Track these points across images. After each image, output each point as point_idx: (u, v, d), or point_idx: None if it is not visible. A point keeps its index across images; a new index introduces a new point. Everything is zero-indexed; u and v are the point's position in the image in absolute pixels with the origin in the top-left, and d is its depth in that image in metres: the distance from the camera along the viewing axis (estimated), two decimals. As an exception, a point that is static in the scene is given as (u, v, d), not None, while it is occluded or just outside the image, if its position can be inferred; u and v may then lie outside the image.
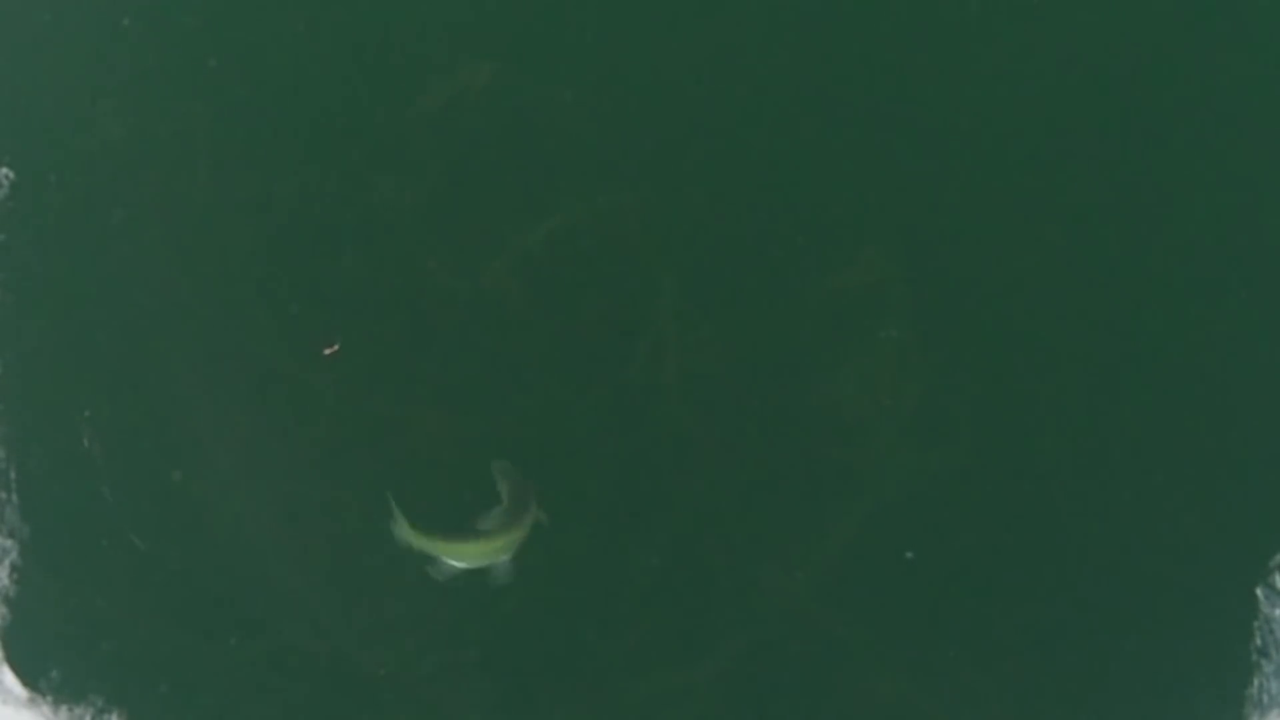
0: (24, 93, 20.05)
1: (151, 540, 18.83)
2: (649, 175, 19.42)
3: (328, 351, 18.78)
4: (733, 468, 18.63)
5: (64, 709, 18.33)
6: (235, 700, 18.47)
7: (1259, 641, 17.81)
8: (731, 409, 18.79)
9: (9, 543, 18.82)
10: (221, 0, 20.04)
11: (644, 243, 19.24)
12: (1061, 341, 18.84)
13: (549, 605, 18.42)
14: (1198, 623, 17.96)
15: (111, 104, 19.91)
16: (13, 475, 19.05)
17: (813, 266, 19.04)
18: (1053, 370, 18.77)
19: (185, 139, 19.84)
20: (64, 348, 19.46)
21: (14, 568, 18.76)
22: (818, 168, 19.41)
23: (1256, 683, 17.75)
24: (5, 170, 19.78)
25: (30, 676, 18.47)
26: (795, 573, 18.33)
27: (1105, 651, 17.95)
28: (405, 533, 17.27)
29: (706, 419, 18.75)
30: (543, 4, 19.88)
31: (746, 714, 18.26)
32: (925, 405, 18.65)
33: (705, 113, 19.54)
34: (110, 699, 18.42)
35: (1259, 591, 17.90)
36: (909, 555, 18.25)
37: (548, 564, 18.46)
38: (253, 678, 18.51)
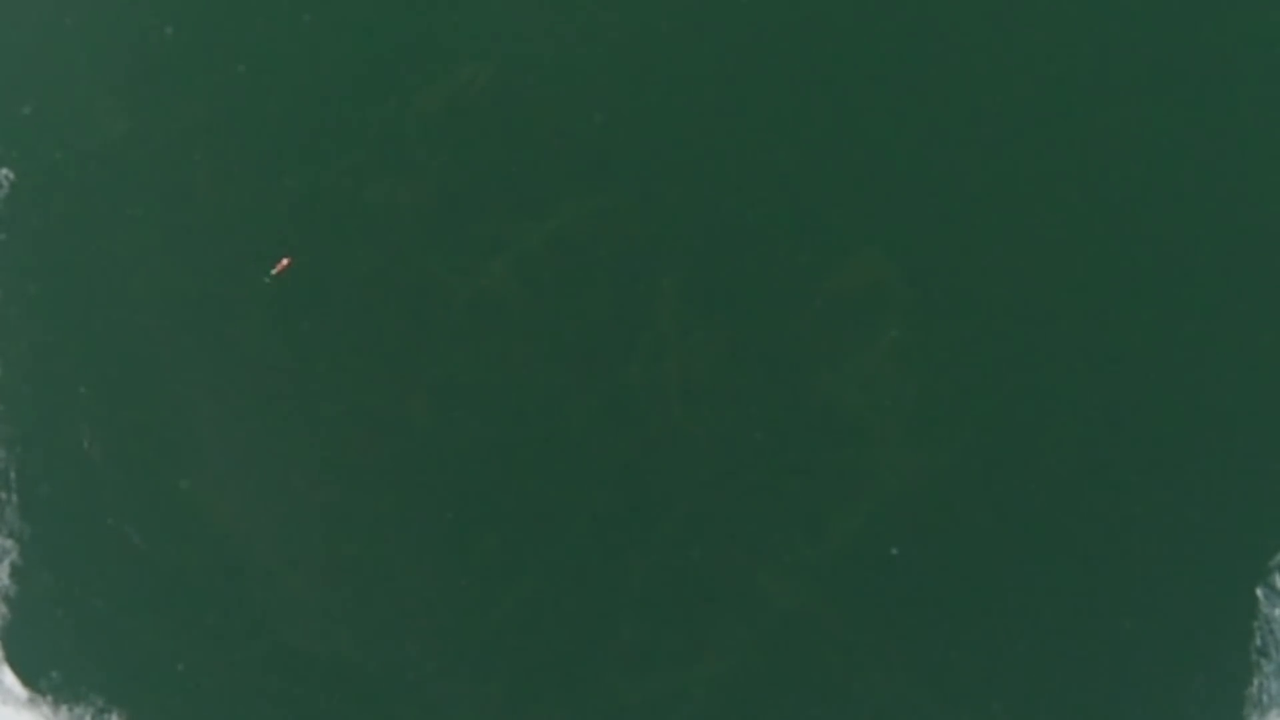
0: (25, 95, 20.12)
1: (151, 540, 18.85)
2: (649, 176, 19.46)
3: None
4: (733, 468, 18.66)
5: (64, 709, 18.34)
6: (235, 700, 18.47)
7: (1259, 641, 17.83)
8: (731, 409, 18.82)
9: (9, 543, 18.85)
10: (231, 7, 20.22)
11: (644, 243, 19.26)
12: (1061, 342, 18.86)
13: (548, 605, 18.45)
14: (1198, 623, 17.98)
15: (112, 105, 19.97)
16: (13, 475, 19.10)
17: (813, 267, 19.07)
18: (1052, 371, 18.79)
19: (185, 140, 19.87)
20: (64, 348, 19.50)
21: (14, 568, 18.80)
22: (818, 170, 19.43)
23: (1256, 683, 17.77)
24: (5, 170, 19.83)
25: (30, 676, 18.49)
26: (795, 572, 18.36)
27: (1105, 650, 17.96)
28: None
29: (706, 419, 18.77)
30: (543, 6, 19.94)
31: (746, 714, 18.28)
32: (925, 405, 18.69)
33: (706, 114, 19.56)
34: (110, 699, 18.44)
35: (1259, 591, 17.93)
36: (894, 551, 18.36)
37: (547, 564, 18.49)
38: (253, 678, 18.52)
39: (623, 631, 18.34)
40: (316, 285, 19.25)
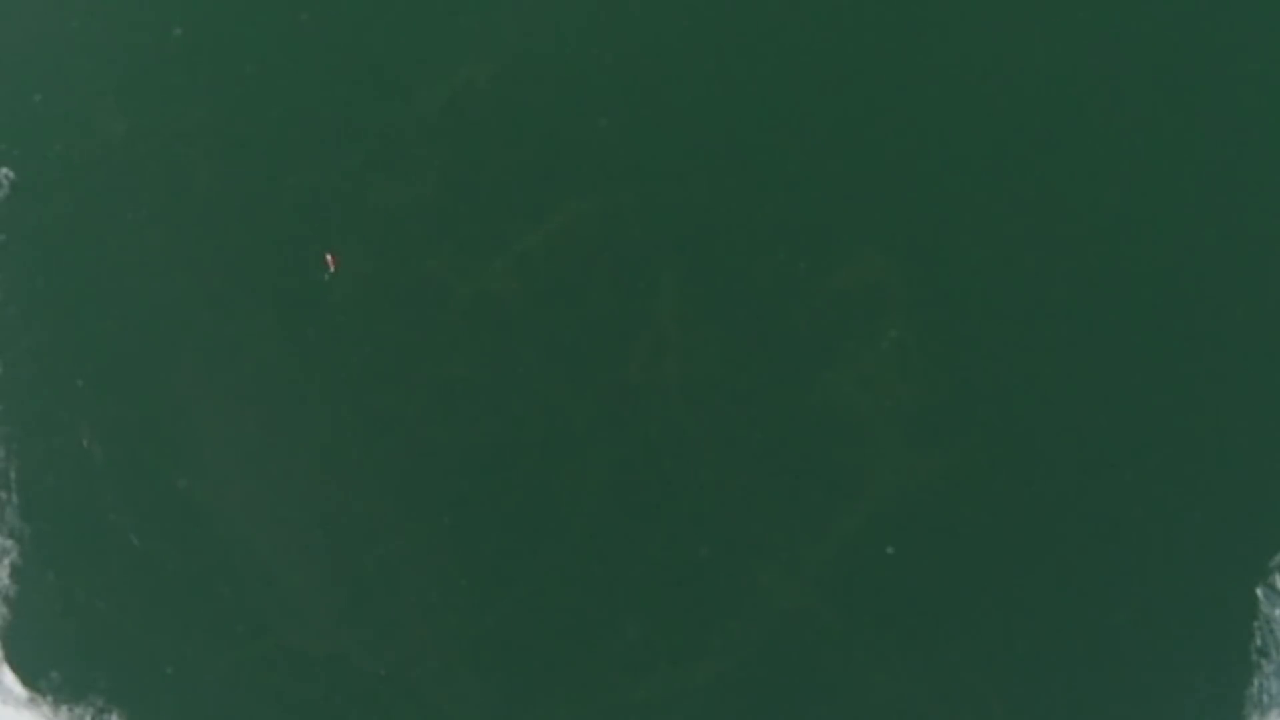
0: (27, 95, 20.13)
1: (151, 540, 18.86)
2: (649, 175, 19.46)
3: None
4: (733, 468, 18.67)
5: (64, 709, 18.35)
6: (235, 700, 18.48)
7: (1259, 641, 17.84)
8: (731, 409, 18.82)
9: (9, 543, 18.85)
10: (234, 8, 20.23)
11: (644, 243, 19.27)
12: (1061, 342, 18.86)
13: (548, 605, 18.45)
14: (1198, 623, 17.99)
15: (112, 105, 19.98)
16: (13, 475, 19.11)
17: (813, 267, 19.07)
18: (1051, 371, 18.80)
19: (186, 140, 19.88)
20: (64, 348, 19.50)
21: (14, 568, 18.81)
22: (818, 169, 19.43)
23: (1256, 683, 17.78)
24: (5, 170, 19.84)
25: (30, 676, 18.50)
26: (795, 573, 18.37)
27: (1105, 651, 17.97)
28: None
29: (706, 419, 18.78)
30: (543, 7, 19.94)
31: (746, 714, 18.29)
32: (925, 405, 18.69)
33: (706, 115, 19.57)
34: (110, 699, 18.45)
35: (1259, 591, 17.93)
36: (889, 550, 18.39)
37: (547, 564, 18.50)
38: (253, 678, 18.54)
39: (623, 631, 18.35)
40: (317, 285, 19.26)
